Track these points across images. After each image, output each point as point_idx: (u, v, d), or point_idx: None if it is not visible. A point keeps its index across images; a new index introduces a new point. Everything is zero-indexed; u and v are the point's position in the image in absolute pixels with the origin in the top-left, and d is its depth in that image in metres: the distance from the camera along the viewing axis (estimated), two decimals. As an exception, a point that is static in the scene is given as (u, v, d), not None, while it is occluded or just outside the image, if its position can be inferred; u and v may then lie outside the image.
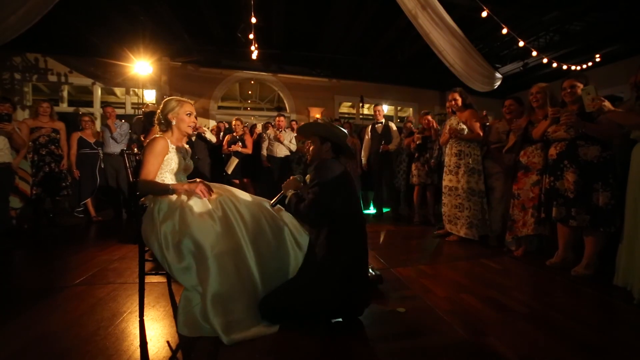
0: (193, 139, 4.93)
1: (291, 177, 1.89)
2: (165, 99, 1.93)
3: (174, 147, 1.83)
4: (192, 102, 1.96)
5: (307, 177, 1.81)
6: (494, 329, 1.59)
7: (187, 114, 1.87)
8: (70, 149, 4.23)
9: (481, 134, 3.21)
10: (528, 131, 2.72)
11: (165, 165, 1.78)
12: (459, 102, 3.31)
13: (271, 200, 1.88)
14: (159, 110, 1.90)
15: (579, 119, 2.19)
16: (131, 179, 1.76)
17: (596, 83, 2.19)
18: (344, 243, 1.64)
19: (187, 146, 2.00)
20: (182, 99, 1.92)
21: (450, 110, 3.44)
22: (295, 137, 5.31)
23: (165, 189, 1.68)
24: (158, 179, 1.76)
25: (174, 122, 1.85)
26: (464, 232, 3.22)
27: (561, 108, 2.42)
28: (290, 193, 1.80)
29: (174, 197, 1.68)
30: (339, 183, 1.68)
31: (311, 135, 1.87)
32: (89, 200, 4.30)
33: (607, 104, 1.98)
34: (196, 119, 1.95)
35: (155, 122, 1.91)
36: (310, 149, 1.86)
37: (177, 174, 1.85)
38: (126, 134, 4.58)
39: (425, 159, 4.12)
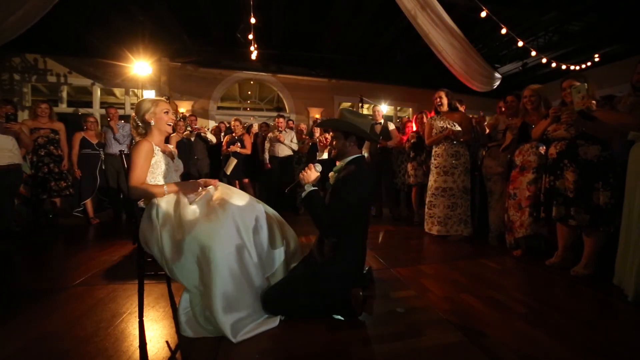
0: (192, 139, 4.94)
1: (310, 166, 1.79)
2: (138, 102, 1.87)
3: (159, 148, 1.80)
4: (165, 99, 1.92)
5: (331, 174, 1.82)
6: (493, 329, 1.59)
7: (164, 112, 1.82)
8: (72, 148, 4.23)
9: (470, 135, 3.32)
10: (523, 131, 2.73)
11: (155, 168, 1.76)
12: (444, 101, 3.36)
13: (268, 202, 1.91)
14: (133, 114, 1.83)
15: (580, 118, 2.19)
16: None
17: (595, 83, 2.19)
18: (351, 243, 1.69)
19: (171, 147, 1.98)
20: (155, 98, 1.87)
21: (432, 111, 3.48)
22: (296, 136, 5.33)
23: (160, 191, 1.68)
24: (151, 183, 1.74)
25: (152, 123, 1.79)
26: (455, 229, 3.29)
27: (563, 107, 2.42)
28: (309, 188, 1.73)
29: (172, 198, 1.69)
30: (364, 196, 1.68)
31: (335, 130, 1.84)
32: (88, 201, 4.30)
33: (595, 103, 1.99)
34: (174, 117, 1.89)
35: (133, 123, 1.84)
36: (334, 143, 1.83)
37: (168, 176, 1.83)
38: (128, 134, 4.59)
39: (422, 160, 4.12)
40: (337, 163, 1.83)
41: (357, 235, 1.73)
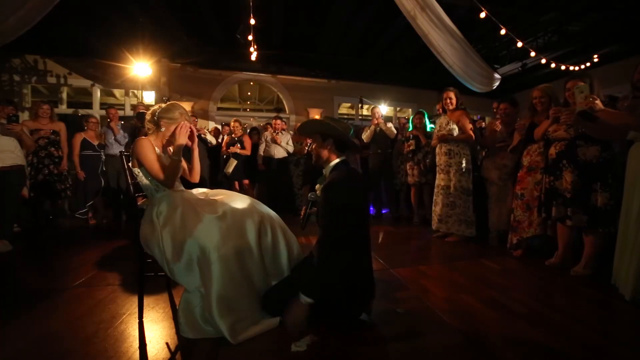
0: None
1: (308, 196, 1.81)
2: (173, 103, 1.85)
3: (158, 149, 1.77)
4: (192, 121, 1.89)
5: (317, 186, 1.76)
6: (493, 329, 1.59)
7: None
8: (73, 149, 4.22)
9: (472, 135, 3.29)
10: (531, 131, 2.73)
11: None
12: (454, 101, 3.35)
13: (267, 203, 1.93)
14: (157, 107, 1.83)
15: (579, 118, 2.19)
16: (130, 181, 1.76)
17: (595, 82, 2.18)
18: (352, 244, 1.61)
19: (171, 149, 1.95)
20: (187, 115, 1.84)
21: (440, 109, 3.48)
22: (292, 137, 5.33)
23: (178, 163, 1.70)
24: (151, 184, 1.73)
25: (162, 129, 1.78)
26: (455, 228, 3.29)
27: (563, 107, 2.42)
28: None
29: (174, 198, 1.69)
30: (354, 200, 1.60)
31: (312, 133, 1.80)
32: (96, 202, 4.30)
33: (598, 102, 1.97)
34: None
35: (148, 116, 1.83)
36: (314, 147, 1.78)
37: None
38: (128, 135, 4.60)
39: (418, 159, 4.13)
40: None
41: (357, 241, 1.64)
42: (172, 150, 1.77)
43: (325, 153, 1.71)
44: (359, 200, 1.65)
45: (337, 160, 1.70)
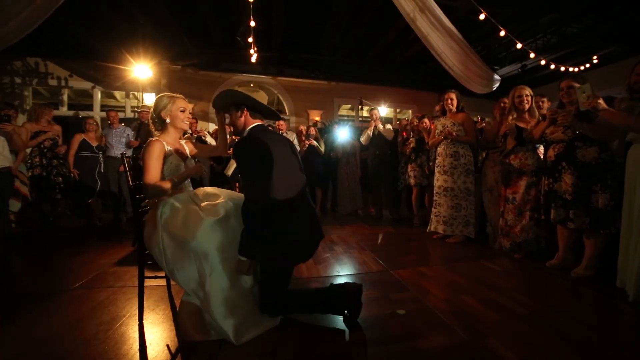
0: (193, 141, 4.95)
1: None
2: (157, 97, 1.86)
3: (172, 149, 1.78)
4: (184, 97, 1.89)
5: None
6: (493, 331, 1.59)
7: (180, 110, 1.81)
8: (70, 149, 4.24)
9: (475, 137, 3.31)
10: (519, 135, 2.73)
11: (165, 169, 1.75)
12: (455, 102, 3.36)
13: None
14: (151, 109, 1.85)
15: (576, 119, 2.19)
16: (130, 183, 1.77)
17: (594, 84, 2.19)
18: (274, 201, 1.56)
19: (186, 148, 1.95)
20: (174, 94, 1.85)
21: (439, 111, 3.49)
22: (297, 138, 5.34)
23: (168, 185, 1.66)
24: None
25: (168, 120, 1.79)
26: (460, 230, 3.28)
27: (559, 109, 2.43)
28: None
29: (179, 198, 1.68)
30: (262, 155, 1.55)
31: (227, 106, 1.77)
32: (92, 204, 4.30)
33: (601, 102, 1.96)
34: (191, 116, 1.86)
35: (150, 121, 1.86)
36: (230, 120, 1.76)
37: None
38: (127, 136, 4.62)
39: (422, 162, 4.13)
40: None
41: (282, 199, 1.58)
42: (179, 175, 1.76)
43: (241, 122, 1.73)
44: (274, 156, 1.57)
45: (252, 125, 1.72)
